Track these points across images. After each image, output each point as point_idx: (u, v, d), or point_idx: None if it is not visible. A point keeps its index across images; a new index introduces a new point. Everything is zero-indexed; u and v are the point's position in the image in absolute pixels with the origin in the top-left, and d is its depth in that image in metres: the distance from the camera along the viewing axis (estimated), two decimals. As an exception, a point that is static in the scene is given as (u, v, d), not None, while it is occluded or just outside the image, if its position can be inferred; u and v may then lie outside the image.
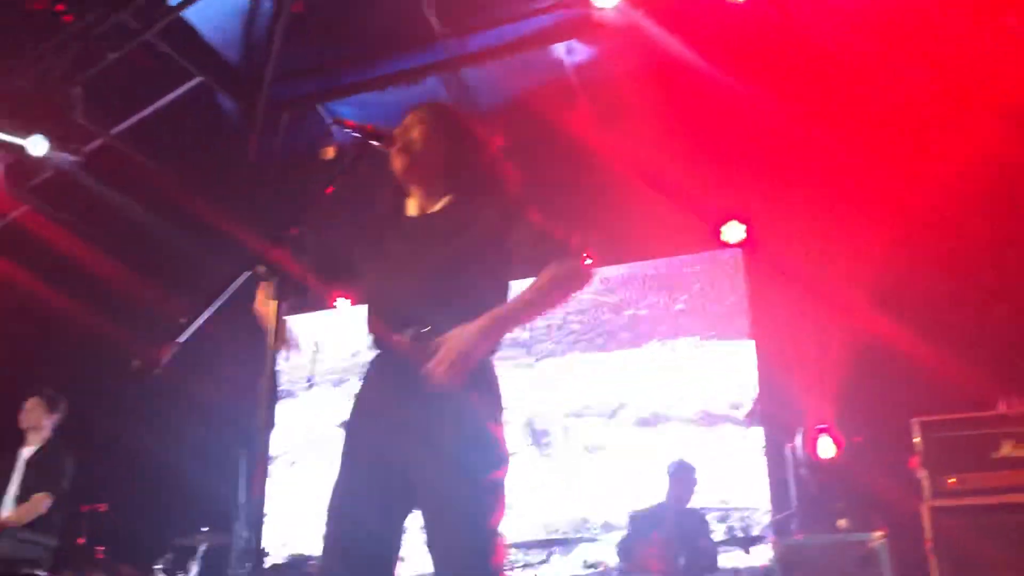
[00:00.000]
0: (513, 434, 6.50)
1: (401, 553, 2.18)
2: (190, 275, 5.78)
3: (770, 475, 5.77)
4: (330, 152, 2.02)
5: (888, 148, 5.53)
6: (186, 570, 5.68)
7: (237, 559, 5.52)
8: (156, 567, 5.66)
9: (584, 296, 6.49)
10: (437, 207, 2.36)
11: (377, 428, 2.18)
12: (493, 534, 2.07)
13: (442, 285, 2.20)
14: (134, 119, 6.18)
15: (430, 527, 2.10)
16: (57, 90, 5.69)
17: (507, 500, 2.12)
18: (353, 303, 6.64)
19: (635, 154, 5.85)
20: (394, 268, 2.29)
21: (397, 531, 2.18)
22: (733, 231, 6.25)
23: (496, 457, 2.14)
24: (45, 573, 4.55)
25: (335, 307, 6.81)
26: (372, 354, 2.32)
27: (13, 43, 5.65)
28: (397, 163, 2.34)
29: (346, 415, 2.27)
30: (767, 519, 5.62)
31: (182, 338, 1.77)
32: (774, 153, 5.84)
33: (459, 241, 2.23)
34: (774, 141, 5.74)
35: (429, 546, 2.08)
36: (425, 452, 2.10)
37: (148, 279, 6.71)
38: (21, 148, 5.71)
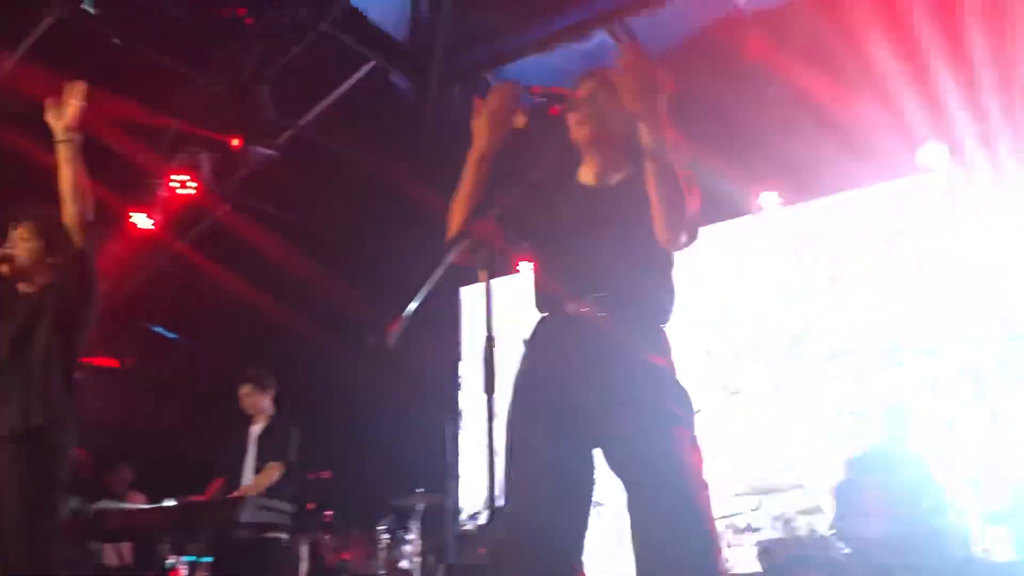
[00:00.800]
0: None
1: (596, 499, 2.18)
2: (396, 256, 6.01)
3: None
4: (520, 119, 2.04)
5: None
6: (407, 529, 6.05)
7: (452, 516, 5.81)
8: (379, 527, 6.06)
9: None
10: (617, 179, 2.35)
11: (558, 390, 2.17)
12: (704, 486, 2.05)
13: (621, 257, 2.22)
14: (318, 109, 6.48)
15: (636, 485, 2.06)
16: (248, 90, 6.06)
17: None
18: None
19: (816, 83, 5.56)
20: (573, 235, 2.29)
21: (589, 482, 2.17)
22: (932, 153, 5.83)
23: (691, 406, 2.15)
24: (286, 536, 4.95)
25: (518, 271, 6.94)
26: (540, 317, 2.33)
27: (206, 52, 6.08)
28: (581, 132, 2.33)
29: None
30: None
31: (409, 311, 1.86)
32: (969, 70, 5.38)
33: (636, 212, 2.20)
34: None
35: (636, 506, 2.04)
36: (621, 409, 2.09)
37: (353, 266, 7.13)
38: (223, 147, 6.18)
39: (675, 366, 2.23)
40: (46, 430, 3.16)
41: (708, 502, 2.05)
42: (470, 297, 7.91)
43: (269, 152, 6.37)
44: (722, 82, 5.61)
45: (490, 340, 2.00)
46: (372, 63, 6.37)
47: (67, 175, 3.25)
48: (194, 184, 6.61)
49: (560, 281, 2.28)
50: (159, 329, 8.90)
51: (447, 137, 6.67)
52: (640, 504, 2.03)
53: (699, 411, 2.20)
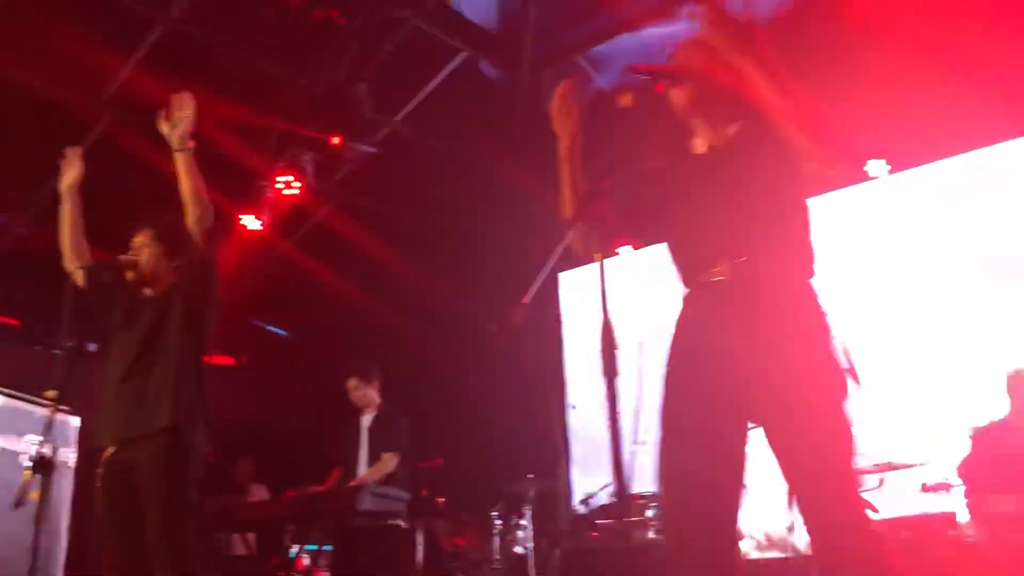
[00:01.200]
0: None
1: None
2: (497, 244, 6.06)
3: None
4: (627, 99, 2.02)
5: None
6: (520, 514, 6.10)
7: (564, 501, 5.82)
8: (492, 513, 6.14)
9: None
10: (729, 140, 2.32)
11: (709, 363, 2.16)
12: (854, 459, 2.02)
13: (751, 215, 2.19)
14: (413, 103, 6.56)
15: (789, 457, 2.05)
16: (346, 89, 6.19)
17: None
18: (636, 248, 6.68)
19: (936, 36, 5.30)
20: (699, 206, 2.28)
21: (740, 463, 2.15)
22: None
23: (845, 378, 2.10)
24: (403, 523, 5.06)
25: (618, 254, 6.90)
26: (683, 293, 2.31)
27: (303, 55, 6.24)
28: (686, 102, 2.32)
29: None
30: None
31: (528, 298, 1.87)
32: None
33: (758, 168, 2.19)
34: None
35: (791, 477, 2.04)
36: (776, 379, 2.06)
37: (454, 256, 7.22)
38: (325, 146, 6.34)
39: (827, 320, 2.17)
40: (181, 428, 3.28)
41: (856, 476, 2.06)
42: (568, 282, 7.90)
43: (368, 149, 6.49)
44: (821, 52, 5.41)
45: (607, 324, 1.99)
46: (463, 54, 6.42)
47: (186, 182, 3.38)
48: (298, 184, 6.80)
49: (695, 252, 2.27)
50: (269, 327, 9.22)
51: (541, 122, 6.64)
52: (791, 473, 2.04)
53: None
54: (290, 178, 6.78)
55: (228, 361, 8.79)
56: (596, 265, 1.98)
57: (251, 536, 7.02)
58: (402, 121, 6.74)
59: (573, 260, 2.24)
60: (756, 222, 2.18)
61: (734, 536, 2.13)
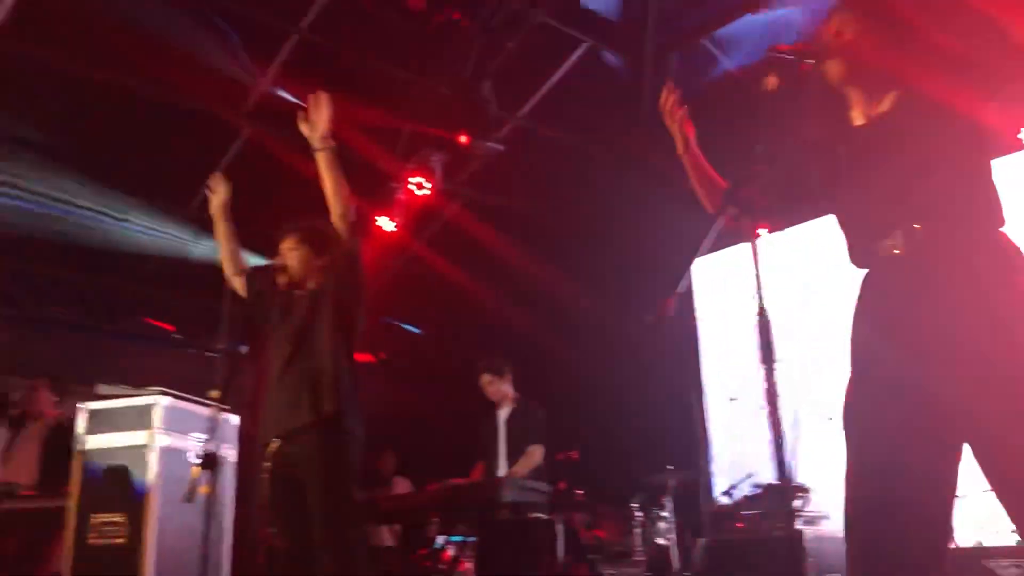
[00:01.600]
0: None
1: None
2: (631, 234, 5.99)
3: None
4: (772, 82, 1.97)
5: None
6: (660, 506, 6.05)
7: (705, 492, 5.73)
8: (632, 505, 6.10)
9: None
10: (885, 106, 2.24)
11: (905, 350, 2.01)
12: None
13: (922, 181, 2.09)
14: (537, 96, 6.59)
15: (1000, 455, 1.88)
16: (471, 87, 6.27)
17: None
18: (770, 231, 6.50)
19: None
20: (867, 177, 2.20)
21: (953, 468, 1.97)
22: None
23: None
24: (545, 515, 5.10)
25: (759, 236, 6.72)
26: (860, 272, 2.23)
27: (428, 57, 6.36)
28: (834, 72, 2.25)
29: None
30: None
31: (680, 288, 1.86)
32: None
33: (924, 134, 2.10)
34: None
35: (999, 478, 1.88)
36: (981, 365, 1.89)
37: (585, 248, 7.20)
38: (452, 145, 6.45)
39: None
40: (339, 418, 3.41)
41: None
42: (700, 268, 7.77)
43: (495, 146, 6.56)
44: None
45: (763, 310, 1.95)
46: (585, 44, 6.39)
47: (328, 181, 3.52)
48: (428, 184, 6.95)
49: (867, 225, 2.19)
50: (403, 324, 9.47)
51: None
52: (1002, 473, 1.86)
53: None
54: (420, 179, 6.94)
55: (368, 358, 9.08)
56: (730, 251, 1.93)
57: (396, 528, 7.25)
58: (527, 116, 6.77)
59: (704, 247, 2.19)
60: (928, 189, 2.08)
61: (943, 533, 1.97)
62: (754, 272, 1.98)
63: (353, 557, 3.28)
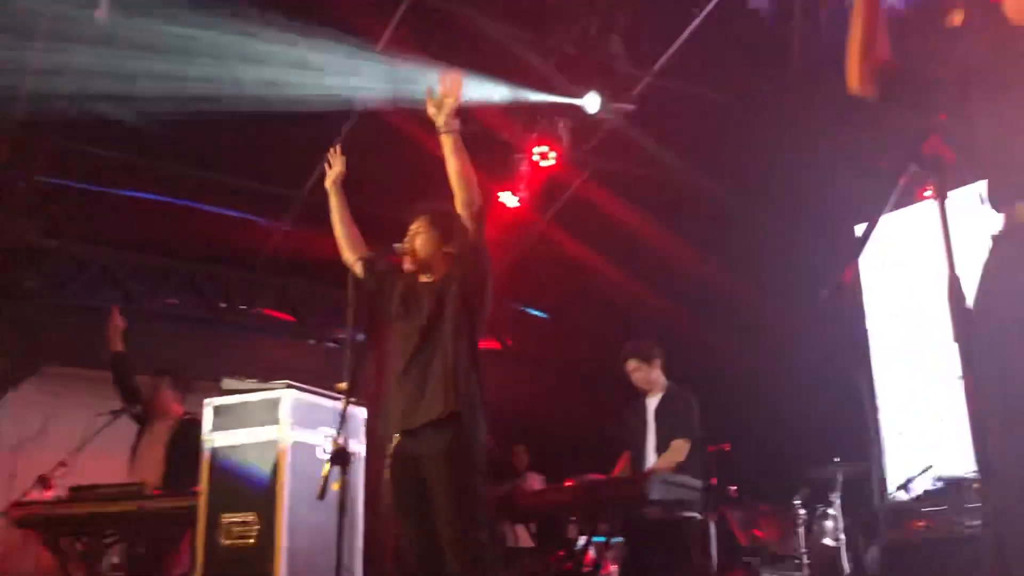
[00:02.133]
0: None
1: None
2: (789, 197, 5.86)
3: None
4: (957, 17, 1.90)
5: None
6: (827, 502, 5.92)
7: (878, 487, 5.58)
8: (794, 502, 5.99)
9: None
10: None
11: None
12: None
13: None
14: (673, 48, 6.47)
15: None
16: (598, 45, 6.25)
17: None
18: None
19: None
20: None
21: None
22: None
23: None
24: (698, 514, 5.05)
25: (925, 198, 6.46)
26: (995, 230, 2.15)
27: (549, 15, 6.36)
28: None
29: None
30: None
31: (858, 255, 1.82)
32: None
33: None
34: None
35: None
36: None
37: (732, 217, 7.07)
38: (580, 109, 6.45)
39: None
40: (462, 415, 3.51)
41: None
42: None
43: (627, 107, 6.52)
44: None
45: (954, 279, 1.89)
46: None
47: (454, 165, 3.59)
48: (554, 154, 6.97)
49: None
50: (529, 310, 9.56)
51: (819, 56, 6.36)
52: None
53: None
54: (545, 148, 6.96)
55: (495, 345, 9.21)
56: (895, 216, 1.87)
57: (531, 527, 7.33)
58: (661, 72, 6.68)
59: (864, 214, 2.12)
60: None
61: None
62: (942, 236, 1.92)
63: (480, 558, 3.36)
